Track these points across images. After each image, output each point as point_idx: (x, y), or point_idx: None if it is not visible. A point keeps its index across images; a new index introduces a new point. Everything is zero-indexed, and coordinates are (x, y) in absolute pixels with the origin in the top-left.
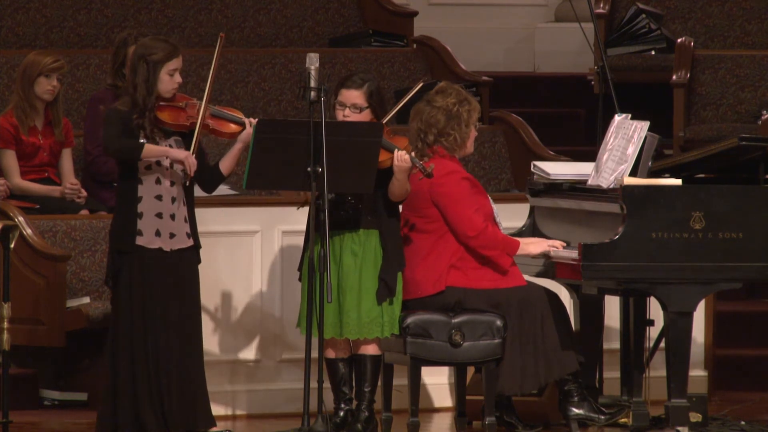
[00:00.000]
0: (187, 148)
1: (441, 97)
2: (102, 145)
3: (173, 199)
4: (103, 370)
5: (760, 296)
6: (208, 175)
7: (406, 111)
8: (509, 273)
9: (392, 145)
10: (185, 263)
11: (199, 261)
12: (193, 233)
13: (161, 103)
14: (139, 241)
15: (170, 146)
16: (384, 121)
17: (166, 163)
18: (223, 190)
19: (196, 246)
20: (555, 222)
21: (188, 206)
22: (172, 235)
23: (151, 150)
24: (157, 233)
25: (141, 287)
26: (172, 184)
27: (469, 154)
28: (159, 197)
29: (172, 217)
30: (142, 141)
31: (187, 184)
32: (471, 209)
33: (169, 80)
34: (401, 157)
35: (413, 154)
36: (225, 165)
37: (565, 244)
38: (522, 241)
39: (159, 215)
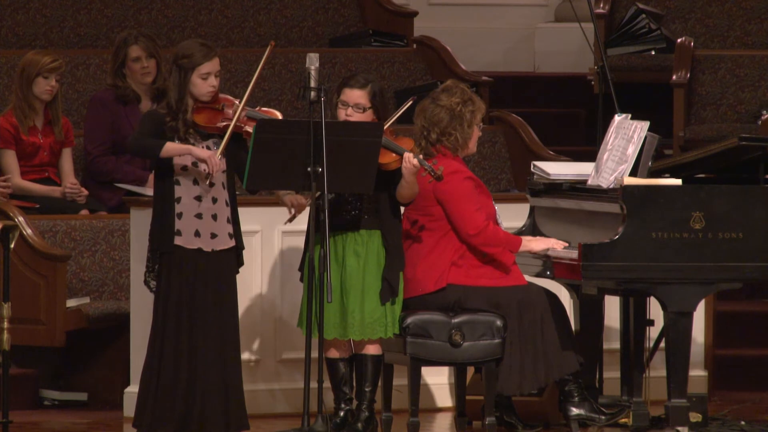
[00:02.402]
0: (227, 149)
1: (446, 96)
2: (103, 144)
3: (214, 200)
4: (109, 370)
5: (760, 296)
6: None
7: (407, 111)
8: (510, 272)
9: (400, 148)
10: (225, 264)
11: (241, 263)
12: (236, 234)
13: (199, 105)
14: (178, 241)
15: (207, 148)
16: (386, 125)
17: (203, 165)
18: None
19: (239, 247)
20: (555, 222)
21: (231, 207)
22: (213, 236)
23: (172, 147)
24: (197, 234)
25: (179, 290)
26: (212, 184)
27: (472, 153)
28: (198, 198)
29: (214, 217)
30: (162, 141)
31: (208, 183)
32: (473, 208)
33: (202, 84)
34: (410, 160)
35: (421, 156)
36: None
37: (567, 245)
38: (524, 238)
39: (199, 216)
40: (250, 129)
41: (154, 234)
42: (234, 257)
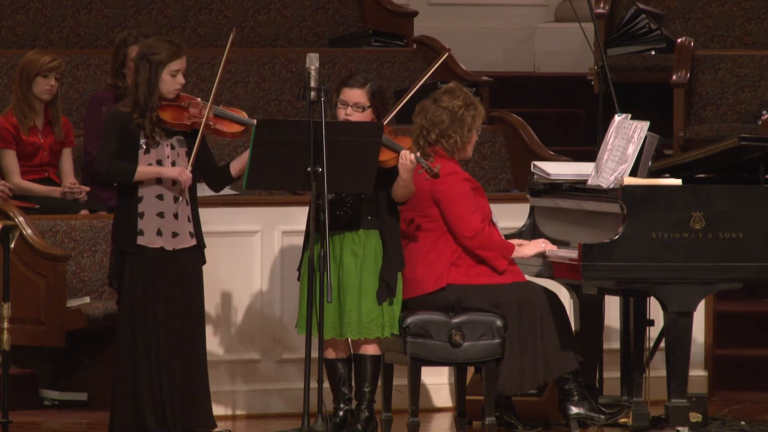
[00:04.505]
0: (190, 148)
1: (448, 98)
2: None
3: (176, 198)
4: (108, 370)
5: (760, 296)
6: (216, 174)
7: (406, 111)
8: (508, 270)
9: (397, 145)
10: (188, 263)
11: (203, 261)
12: (197, 233)
13: (164, 103)
14: (141, 240)
15: (172, 146)
16: (386, 121)
17: (168, 162)
18: (223, 189)
19: (200, 246)
20: (555, 222)
21: (192, 205)
22: (174, 235)
23: (144, 173)
24: (159, 233)
25: (143, 287)
26: (175, 183)
27: (467, 158)
28: (160, 196)
29: (176, 216)
30: (133, 166)
31: (180, 200)
32: (469, 210)
33: (171, 81)
34: (407, 157)
35: (418, 154)
36: (236, 168)
37: (556, 248)
38: (515, 244)
39: (161, 214)
40: (218, 126)
41: (117, 235)
42: (197, 256)
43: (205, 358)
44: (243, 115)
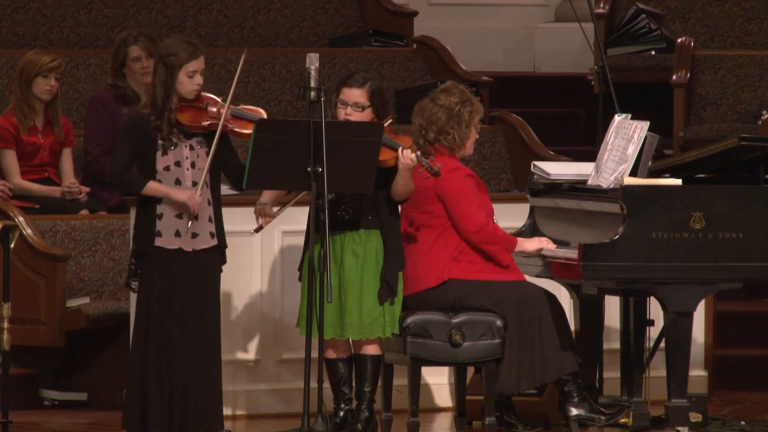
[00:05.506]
0: (210, 148)
1: (444, 96)
2: (103, 144)
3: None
4: (109, 370)
5: (760, 296)
6: (238, 172)
7: (406, 111)
8: (509, 267)
9: (397, 144)
10: (207, 264)
11: (223, 261)
12: (219, 233)
13: (183, 104)
14: (158, 242)
15: (191, 147)
16: (386, 122)
17: (187, 163)
18: (223, 190)
19: (221, 246)
20: (555, 222)
21: (214, 205)
22: (194, 235)
23: (153, 189)
24: (177, 234)
25: (160, 288)
26: (194, 183)
27: (468, 155)
28: None
29: (196, 216)
30: (144, 180)
31: (189, 225)
32: (474, 205)
33: (188, 82)
34: (407, 155)
35: (419, 153)
36: None
37: (556, 246)
38: (519, 239)
39: (179, 216)
40: (236, 128)
41: (136, 237)
42: (217, 256)
43: (219, 360)
44: (262, 115)
